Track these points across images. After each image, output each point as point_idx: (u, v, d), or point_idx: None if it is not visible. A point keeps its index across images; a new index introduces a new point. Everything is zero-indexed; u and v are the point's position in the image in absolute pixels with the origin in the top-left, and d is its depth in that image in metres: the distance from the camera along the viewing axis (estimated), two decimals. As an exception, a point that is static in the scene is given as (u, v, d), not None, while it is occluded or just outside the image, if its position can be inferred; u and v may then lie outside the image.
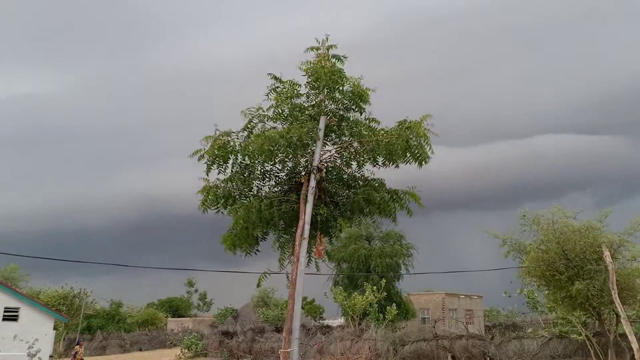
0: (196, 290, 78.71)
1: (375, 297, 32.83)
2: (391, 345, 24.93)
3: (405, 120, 11.24)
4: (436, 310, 43.19)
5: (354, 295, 33.72)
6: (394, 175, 11.84)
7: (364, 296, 33.03)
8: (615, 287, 15.96)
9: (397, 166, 11.53)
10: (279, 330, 39.01)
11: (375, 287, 33.32)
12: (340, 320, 45.95)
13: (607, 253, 16.26)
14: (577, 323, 18.97)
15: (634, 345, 15.67)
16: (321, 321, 54.34)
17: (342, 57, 11.76)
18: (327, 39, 11.79)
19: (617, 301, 15.93)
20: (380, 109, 11.86)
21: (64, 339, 45.78)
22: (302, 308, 55.77)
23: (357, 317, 33.26)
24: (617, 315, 17.04)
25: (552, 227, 17.60)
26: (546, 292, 19.28)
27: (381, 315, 32.54)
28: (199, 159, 11.43)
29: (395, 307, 32.99)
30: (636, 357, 15.65)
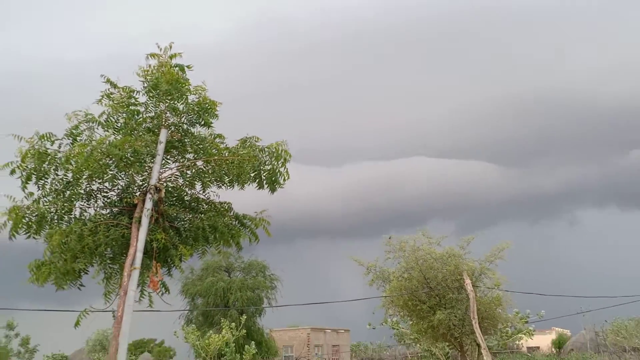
0: (17, 335, 71.04)
1: (233, 335, 32.12)
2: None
3: (248, 138, 11.29)
4: (300, 347, 43.36)
5: (208, 334, 32.69)
6: (239, 197, 11.60)
7: (220, 335, 32.16)
8: (475, 316, 16.85)
9: (242, 188, 11.41)
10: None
11: (234, 324, 32.66)
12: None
13: (468, 281, 17.19)
14: (440, 355, 19.95)
15: (494, 376, 16.81)
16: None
17: (185, 67, 11.40)
18: (170, 47, 11.40)
19: (478, 331, 16.84)
20: (229, 124, 11.59)
21: None
22: (149, 351, 52.66)
23: (210, 359, 32.16)
24: (479, 346, 18.06)
25: (415, 253, 18.32)
26: (410, 322, 20.00)
27: (238, 355, 31.82)
28: (10, 172, 10.23)
29: (254, 346, 32.48)
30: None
